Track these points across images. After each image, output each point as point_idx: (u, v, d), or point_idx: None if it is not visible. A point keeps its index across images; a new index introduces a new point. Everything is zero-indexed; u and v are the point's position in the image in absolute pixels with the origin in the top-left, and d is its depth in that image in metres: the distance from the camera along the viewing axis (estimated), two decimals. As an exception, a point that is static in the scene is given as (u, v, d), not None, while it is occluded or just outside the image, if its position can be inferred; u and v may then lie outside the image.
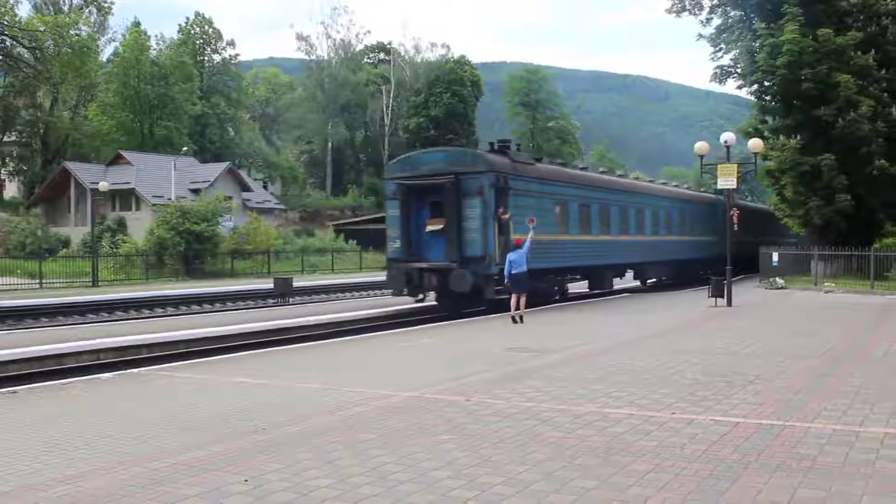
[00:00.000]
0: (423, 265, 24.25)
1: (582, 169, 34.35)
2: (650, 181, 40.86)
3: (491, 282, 23.28)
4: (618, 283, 35.07)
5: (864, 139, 34.52)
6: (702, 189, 48.44)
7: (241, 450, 8.14)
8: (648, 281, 38.02)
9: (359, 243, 68.02)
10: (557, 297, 27.95)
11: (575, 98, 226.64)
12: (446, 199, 23.89)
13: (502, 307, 22.68)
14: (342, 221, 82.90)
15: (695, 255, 36.54)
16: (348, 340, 18.88)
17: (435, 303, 26.28)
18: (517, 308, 20.85)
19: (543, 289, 26.06)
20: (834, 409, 9.60)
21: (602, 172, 35.88)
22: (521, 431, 8.71)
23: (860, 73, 34.73)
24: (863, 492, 6.40)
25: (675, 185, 46.44)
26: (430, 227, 24.36)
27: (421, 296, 25.74)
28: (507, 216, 23.94)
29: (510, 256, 21.10)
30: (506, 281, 21.40)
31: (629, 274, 35.46)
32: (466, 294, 23.31)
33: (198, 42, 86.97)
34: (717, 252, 34.53)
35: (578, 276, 30.77)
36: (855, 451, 7.68)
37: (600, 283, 32.08)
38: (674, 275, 36.09)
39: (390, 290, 26.28)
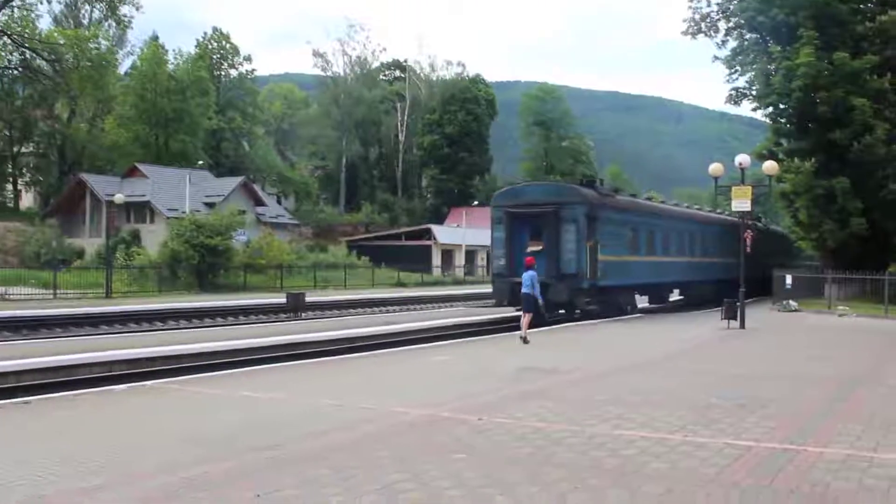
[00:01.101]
0: None
1: (647, 199, 39.15)
2: (698, 208, 42.75)
3: (582, 294, 27.68)
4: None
5: (880, 163, 34.48)
6: (718, 211, 48.48)
7: (253, 465, 8.15)
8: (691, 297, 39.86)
9: (371, 259, 68.08)
10: (629, 309, 31.61)
11: (589, 118, 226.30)
12: (546, 225, 27.96)
13: (592, 315, 28.04)
14: (355, 237, 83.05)
15: (733, 275, 37.13)
16: (360, 357, 18.88)
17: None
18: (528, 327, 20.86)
19: (618, 302, 30.50)
20: (847, 435, 9.55)
21: (662, 202, 40.19)
22: (533, 451, 8.70)
23: (876, 96, 34.71)
24: (877, 519, 6.37)
25: (720, 212, 47.16)
26: (531, 248, 27.52)
27: (521, 307, 27.44)
28: (590, 243, 27.80)
29: (532, 276, 21.13)
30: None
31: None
32: (563, 304, 27.56)
33: (215, 57, 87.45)
34: (750, 273, 36.35)
35: (638, 293, 34.03)
36: (869, 477, 7.64)
37: (658, 298, 36.47)
38: (713, 293, 36.54)
39: (493, 301, 29.75)
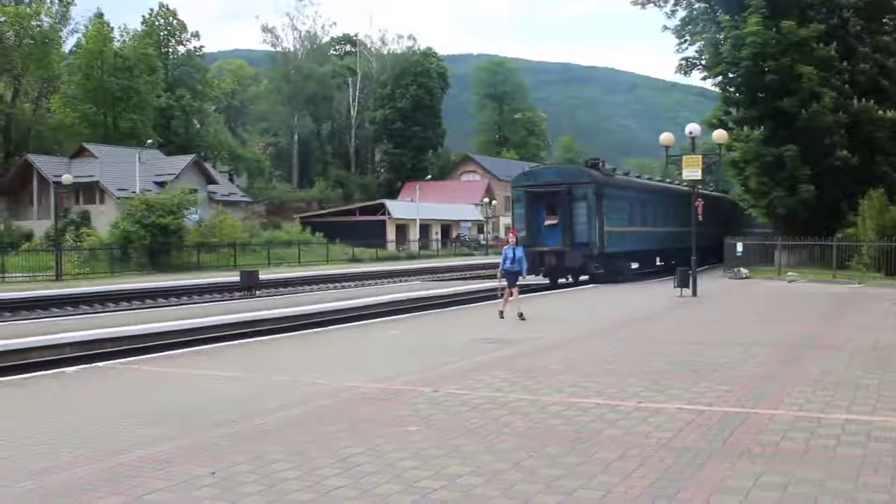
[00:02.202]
0: (544, 249, 31.90)
1: (637, 177, 43.53)
2: (677, 183, 44.86)
3: (592, 260, 31.78)
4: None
5: (827, 130, 34.88)
6: (671, 181, 49.27)
7: (208, 443, 8.11)
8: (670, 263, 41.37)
9: (325, 236, 67.77)
10: (626, 274, 35.19)
11: (541, 90, 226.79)
12: (561, 202, 31.98)
13: (599, 279, 32.18)
14: (309, 214, 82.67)
15: (706, 243, 39.23)
16: (315, 333, 18.84)
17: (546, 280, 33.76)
18: (506, 304, 20.02)
19: (619, 267, 34.23)
20: (796, 397, 9.74)
21: (648, 179, 44.73)
22: (488, 421, 8.75)
23: (822, 64, 35.04)
24: (825, 477, 6.51)
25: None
26: (548, 222, 32.24)
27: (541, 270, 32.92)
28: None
29: (506, 251, 20.27)
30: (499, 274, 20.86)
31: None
32: (576, 268, 32.33)
33: (162, 34, 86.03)
34: (713, 241, 40.15)
35: (631, 260, 37.39)
36: (817, 438, 7.81)
37: (647, 264, 39.59)
38: (687, 260, 37.60)
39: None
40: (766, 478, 6.51)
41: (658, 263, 41.15)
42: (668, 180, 48.52)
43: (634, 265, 37.80)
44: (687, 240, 39.19)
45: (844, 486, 6.30)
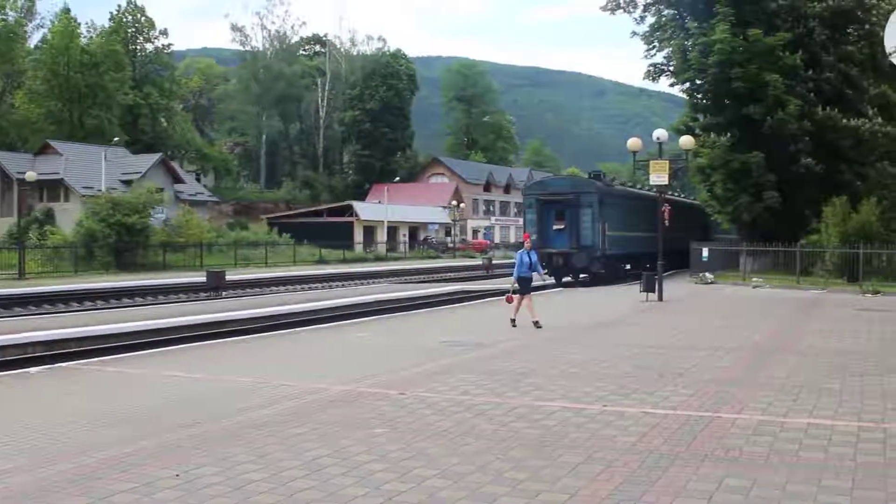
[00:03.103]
0: (553, 250, 35.04)
1: (630, 186, 48.31)
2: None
3: (596, 261, 35.35)
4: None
5: (792, 138, 35.27)
6: (639, 186, 50.03)
7: (172, 444, 8.06)
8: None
9: (293, 237, 67.47)
10: (622, 275, 38.10)
11: (511, 93, 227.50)
12: (568, 209, 35.57)
13: (600, 279, 35.13)
14: (276, 215, 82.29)
15: (683, 247, 40.83)
16: (282, 334, 18.77)
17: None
18: (517, 311, 19.00)
19: (617, 268, 37.78)
20: (760, 401, 9.83)
21: (640, 188, 47.40)
22: (454, 424, 8.77)
23: (788, 73, 35.44)
24: (787, 480, 6.58)
25: (676, 194, 51.81)
26: (556, 226, 35.71)
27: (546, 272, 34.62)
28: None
29: (520, 255, 19.22)
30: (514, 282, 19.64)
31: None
32: (582, 268, 35.48)
33: (130, 30, 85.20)
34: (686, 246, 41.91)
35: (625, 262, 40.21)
36: (780, 442, 7.89)
37: (638, 266, 39.97)
38: (671, 262, 38.19)
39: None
40: (730, 481, 6.57)
41: (647, 266, 41.86)
42: (656, 190, 49.69)
43: (627, 266, 39.91)
44: (672, 243, 40.37)
45: (807, 489, 6.37)
